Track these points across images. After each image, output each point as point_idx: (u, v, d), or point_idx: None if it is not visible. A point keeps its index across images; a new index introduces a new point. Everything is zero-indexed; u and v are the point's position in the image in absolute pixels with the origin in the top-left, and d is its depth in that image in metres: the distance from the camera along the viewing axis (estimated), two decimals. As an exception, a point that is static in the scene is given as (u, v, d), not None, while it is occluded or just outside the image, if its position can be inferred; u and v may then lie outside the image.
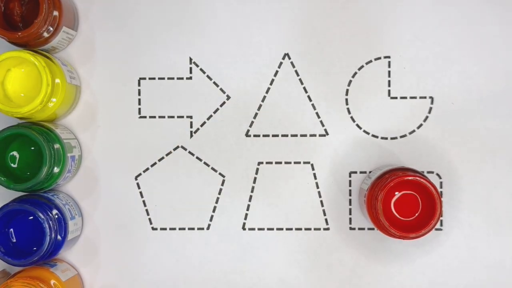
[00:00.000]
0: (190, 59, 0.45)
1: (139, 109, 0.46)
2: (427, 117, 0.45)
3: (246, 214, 0.45)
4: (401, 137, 0.45)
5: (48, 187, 0.43)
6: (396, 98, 0.45)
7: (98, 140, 0.46)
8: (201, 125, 0.45)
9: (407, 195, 0.40)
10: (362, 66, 0.45)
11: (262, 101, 0.45)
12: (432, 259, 0.44)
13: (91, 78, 0.46)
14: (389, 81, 0.45)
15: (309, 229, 0.45)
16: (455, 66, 0.44)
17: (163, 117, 0.46)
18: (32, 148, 0.42)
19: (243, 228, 0.45)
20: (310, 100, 0.45)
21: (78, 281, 0.45)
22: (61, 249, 0.43)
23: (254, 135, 0.45)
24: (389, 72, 0.45)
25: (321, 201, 0.45)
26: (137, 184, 0.46)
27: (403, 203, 0.40)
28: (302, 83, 0.45)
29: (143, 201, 0.46)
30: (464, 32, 0.44)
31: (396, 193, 0.40)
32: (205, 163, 0.45)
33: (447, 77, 0.44)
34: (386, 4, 0.45)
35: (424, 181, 0.39)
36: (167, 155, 0.46)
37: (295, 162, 0.45)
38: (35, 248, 0.41)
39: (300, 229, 0.45)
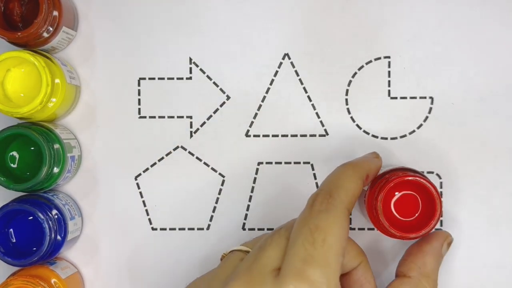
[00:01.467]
0: (190, 59, 0.45)
1: (139, 109, 0.46)
2: (427, 117, 0.44)
3: (246, 214, 0.45)
4: (401, 137, 0.45)
5: (48, 187, 0.43)
6: (396, 98, 0.45)
7: (98, 140, 0.46)
8: (201, 125, 0.45)
9: (407, 195, 0.40)
10: (362, 66, 0.45)
11: (262, 101, 0.45)
12: (432, 259, 0.45)
13: (91, 78, 0.46)
14: (389, 81, 0.45)
15: (309, 229, 0.45)
16: (455, 66, 0.44)
17: (163, 117, 0.46)
18: (32, 148, 0.42)
19: (243, 228, 0.45)
20: (310, 100, 0.45)
21: (78, 278, 0.45)
22: (61, 249, 0.43)
23: (254, 135, 0.45)
24: (389, 72, 0.45)
25: (321, 201, 0.45)
26: (137, 184, 0.46)
27: (403, 203, 0.40)
28: (302, 83, 0.45)
29: (143, 201, 0.46)
30: (464, 32, 0.44)
31: (396, 193, 0.40)
32: (205, 163, 0.45)
33: (447, 77, 0.44)
34: (386, 4, 0.45)
35: (424, 181, 0.39)
36: (167, 155, 0.46)
37: (295, 162, 0.45)
38: (34, 248, 0.41)
39: (300, 229, 0.45)
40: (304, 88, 0.45)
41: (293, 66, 0.45)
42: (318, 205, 0.34)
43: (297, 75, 0.45)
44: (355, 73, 0.45)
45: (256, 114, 0.45)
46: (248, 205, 0.45)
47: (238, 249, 0.37)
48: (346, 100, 0.45)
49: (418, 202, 0.40)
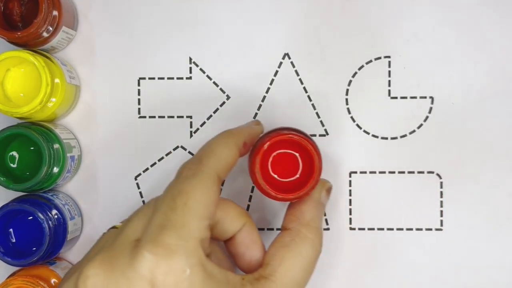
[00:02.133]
0: (190, 59, 0.45)
1: (139, 109, 0.46)
2: (427, 117, 0.44)
3: (246, 214, 0.45)
4: (401, 137, 0.45)
5: (48, 187, 0.43)
6: (396, 98, 0.45)
7: (98, 140, 0.46)
8: (201, 125, 0.45)
9: (288, 155, 0.38)
10: (362, 66, 0.45)
11: (262, 101, 0.45)
12: (432, 259, 0.44)
13: (91, 78, 0.46)
14: (389, 81, 0.45)
15: (309, 229, 0.45)
16: (455, 66, 0.44)
17: (163, 117, 0.46)
18: (32, 148, 0.42)
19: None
20: (310, 100, 0.45)
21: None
22: (61, 249, 0.43)
23: (254, 135, 0.45)
24: (389, 72, 0.45)
25: (321, 201, 0.45)
26: (137, 184, 0.46)
27: (285, 163, 0.38)
28: (302, 83, 0.45)
29: (143, 201, 0.46)
30: (464, 32, 0.44)
31: (275, 153, 0.38)
32: (205, 163, 0.45)
33: (447, 77, 0.44)
34: (386, 4, 0.45)
35: (299, 138, 0.37)
36: (167, 155, 0.46)
37: (295, 162, 0.45)
38: (34, 248, 0.41)
39: (300, 229, 0.45)
40: (304, 88, 0.45)
41: (293, 66, 0.45)
42: (185, 172, 0.33)
43: (297, 75, 0.45)
44: (355, 73, 0.45)
45: (256, 114, 0.45)
46: (248, 205, 0.45)
47: (114, 226, 0.36)
48: (346, 100, 0.45)
49: (299, 161, 0.38)
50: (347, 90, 0.45)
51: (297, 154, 0.38)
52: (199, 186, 0.32)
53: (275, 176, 0.38)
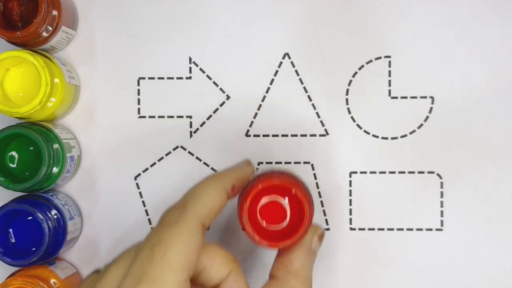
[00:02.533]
0: (190, 59, 0.45)
1: (139, 109, 0.46)
2: (427, 117, 0.44)
3: (246, 214, 0.45)
4: (401, 137, 0.45)
5: (47, 187, 0.43)
6: (396, 98, 0.45)
7: (97, 140, 0.46)
8: (201, 125, 0.45)
9: (278, 202, 0.37)
10: (363, 66, 0.45)
11: (262, 101, 0.45)
12: (432, 259, 0.44)
13: (91, 78, 0.46)
14: (389, 81, 0.45)
15: (309, 229, 0.45)
16: (455, 66, 0.44)
17: (163, 117, 0.45)
18: (31, 148, 0.42)
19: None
20: (310, 100, 0.45)
21: (78, 278, 0.45)
22: (60, 250, 0.42)
23: (254, 135, 0.45)
24: (389, 71, 0.45)
25: (321, 201, 0.45)
26: (137, 184, 0.45)
27: (274, 209, 0.37)
28: (302, 83, 0.45)
29: (143, 201, 0.46)
30: (464, 32, 0.44)
31: (264, 200, 0.37)
32: (205, 163, 0.45)
33: (447, 77, 0.44)
34: (386, 4, 0.45)
35: (289, 184, 0.35)
36: (166, 155, 0.46)
37: (295, 162, 0.45)
38: (34, 249, 0.41)
39: (300, 229, 0.45)
40: (304, 88, 0.45)
41: (293, 66, 0.45)
42: (167, 218, 0.32)
43: (297, 74, 0.45)
44: (356, 73, 0.45)
45: (256, 114, 0.45)
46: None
47: (98, 270, 0.35)
48: (347, 99, 0.45)
49: (289, 208, 0.37)
50: (347, 90, 0.45)
51: (286, 202, 0.36)
52: (180, 234, 0.31)
53: (263, 222, 0.36)
